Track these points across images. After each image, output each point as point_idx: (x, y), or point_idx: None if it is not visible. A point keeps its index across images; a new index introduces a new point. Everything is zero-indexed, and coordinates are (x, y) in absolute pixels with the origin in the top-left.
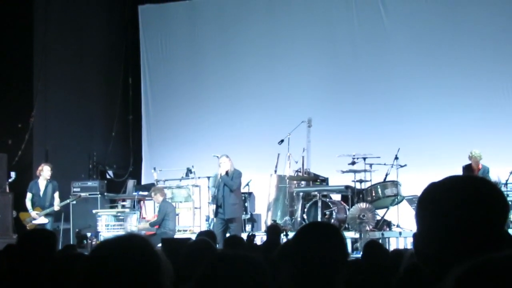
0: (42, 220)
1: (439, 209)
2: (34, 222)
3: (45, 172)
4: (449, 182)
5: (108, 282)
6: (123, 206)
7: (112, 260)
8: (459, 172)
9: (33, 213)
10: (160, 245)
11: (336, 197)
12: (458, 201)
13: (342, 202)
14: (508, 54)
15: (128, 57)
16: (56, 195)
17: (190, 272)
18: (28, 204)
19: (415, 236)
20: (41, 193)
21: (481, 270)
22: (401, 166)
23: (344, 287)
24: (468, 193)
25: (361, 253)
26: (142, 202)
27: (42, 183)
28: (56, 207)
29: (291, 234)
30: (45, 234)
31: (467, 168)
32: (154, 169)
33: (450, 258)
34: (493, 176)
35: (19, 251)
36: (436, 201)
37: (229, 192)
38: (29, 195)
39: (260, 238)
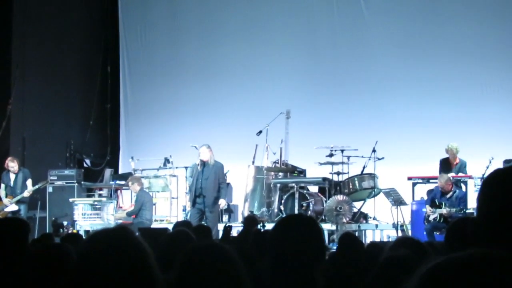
0: (13, 207)
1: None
2: (5, 210)
3: (10, 168)
4: None
5: (103, 277)
6: (100, 195)
7: (108, 254)
8: (436, 165)
9: (5, 200)
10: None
11: (314, 189)
12: None
13: (319, 194)
14: (487, 49)
15: (108, 45)
16: (29, 182)
17: (169, 262)
18: (2, 193)
19: (474, 221)
20: (12, 183)
21: (444, 269)
22: (379, 159)
23: (322, 279)
24: None
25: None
26: (119, 191)
27: (12, 173)
28: (26, 193)
29: (268, 226)
30: (17, 223)
31: (444, 162)
32: (132, 158)
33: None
34: (470, 171)
35: None
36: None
37: (212, 185)
38: (2, 185)
39: (237, 230)
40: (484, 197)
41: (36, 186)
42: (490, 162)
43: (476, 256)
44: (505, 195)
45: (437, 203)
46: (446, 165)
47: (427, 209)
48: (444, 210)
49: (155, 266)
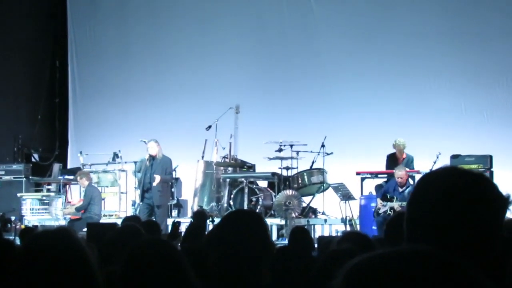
0: None
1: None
2: None
3: None
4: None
5: (41, 279)
6: (48, 190)
7: (48, 256)
8: (383, 160)
9: None
10: (85, 229)
11: (263, 183)
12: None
13: (269, 189)
14: (433, 43)
15: (56, 39)
16: None
17: (117, 256)
18: None
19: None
20: None
21: (368, 265)
22: (328, 154)
23: (269, 273)
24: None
25: (286, 239)
26: (67, 186)
27: None
28: None
29: (217, 220)
30: None
31: (391, 157)
32: (81, 153)
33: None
34: (417, 166)
35: None
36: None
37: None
38: None
39: (185, 225)
40: (414, 195)
41: None
42: (437, 157)
43: (389, 255)
44: (430, 196)
45: (389, 197)
46: (393, 160)
47: (378, 202)
48: (395, 204)
49: (97, 269)
